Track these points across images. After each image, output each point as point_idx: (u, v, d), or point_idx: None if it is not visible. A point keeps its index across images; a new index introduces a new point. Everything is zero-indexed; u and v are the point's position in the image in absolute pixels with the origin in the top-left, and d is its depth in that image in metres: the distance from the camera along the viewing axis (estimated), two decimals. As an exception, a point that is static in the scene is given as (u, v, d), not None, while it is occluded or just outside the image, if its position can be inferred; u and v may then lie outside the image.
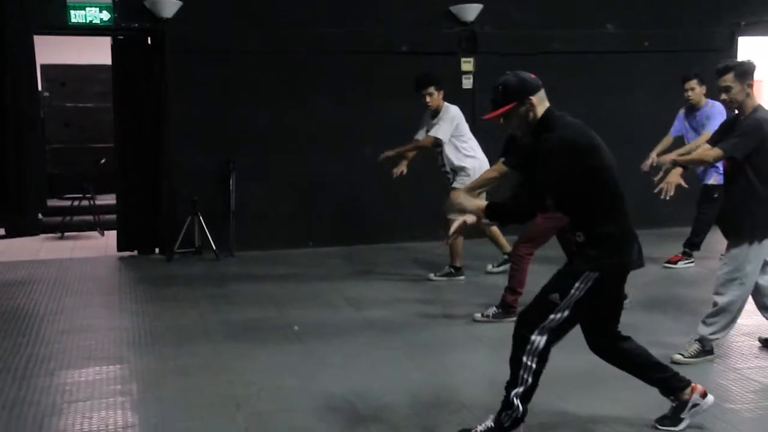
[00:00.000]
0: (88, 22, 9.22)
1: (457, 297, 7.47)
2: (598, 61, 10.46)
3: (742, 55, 11.11)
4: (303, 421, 4.53)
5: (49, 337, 6.37)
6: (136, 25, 9.38)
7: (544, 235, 6.45)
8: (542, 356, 3.99)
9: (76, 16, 9.17)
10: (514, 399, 4.01)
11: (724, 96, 5.26)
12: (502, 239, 8.16)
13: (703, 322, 5.41)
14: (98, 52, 11.00)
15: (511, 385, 4.03)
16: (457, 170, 7.80)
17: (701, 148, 5.48)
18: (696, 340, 5.44)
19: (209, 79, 9.50)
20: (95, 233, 11.35)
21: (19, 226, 9.59)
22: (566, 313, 3.96)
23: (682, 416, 4.27)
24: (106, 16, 9.25)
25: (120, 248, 9.75)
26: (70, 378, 5.36)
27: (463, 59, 9.93)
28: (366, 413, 4.64)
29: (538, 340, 3.96)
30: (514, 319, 5.67)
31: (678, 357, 5.37)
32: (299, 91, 9.77)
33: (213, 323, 6.65)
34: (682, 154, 6.20)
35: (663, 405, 4.33)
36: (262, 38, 9.60)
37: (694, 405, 4.25)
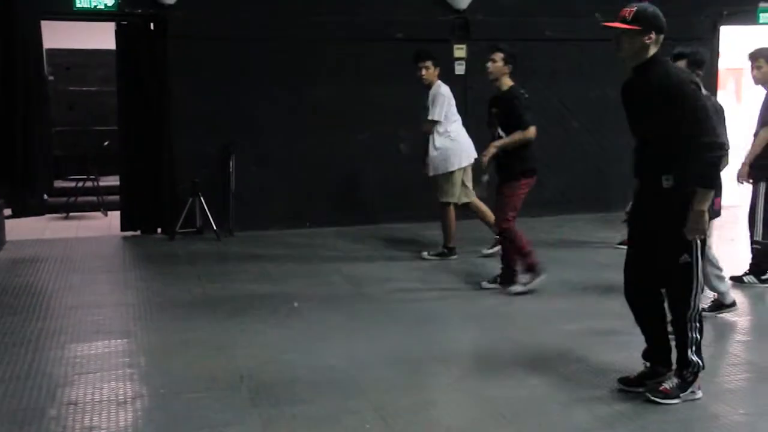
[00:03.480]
0: (92, 7, 9.38)
1: (449, 275, 7.74)
2: (587, 49, 10.67)
3: (723, 44, 11.38)
4: (305, 393, 4.74)
5: (59, 312, 6.59)
6: (140, 10, 9.57)
7: (521, 202, 6.82)
8: (700, 312, 4.39)
9: (81, 2, 9.32)
10: (692, 356, 4.39)
11: None
12: (490, 215, 8.32)
13: None
14: (102, 37, 11.19)
15: (684, 347, 4.39)
16: (435, 151, 8.06)
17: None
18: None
19: (210, 65, 9.70)
20: (99, 214, 11.55)
21: (26, 206, 9.80)
22: (700, 263, 4.30)
23: (647, 382, 4.59)
24: (110, 1, 9.39)
25: (123, 228, 9.96)
26: (80, 351, 5.56)
27: (455, 46, 10.15)
28: (365, 385, 4.86)
29: (695, 305, 4.35)
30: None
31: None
32: (297, 77, 9.96)
33: (216, 299, 6.88)
34: None
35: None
36: (261, 25, 9.79)
37: (660, 382, 4.56)
